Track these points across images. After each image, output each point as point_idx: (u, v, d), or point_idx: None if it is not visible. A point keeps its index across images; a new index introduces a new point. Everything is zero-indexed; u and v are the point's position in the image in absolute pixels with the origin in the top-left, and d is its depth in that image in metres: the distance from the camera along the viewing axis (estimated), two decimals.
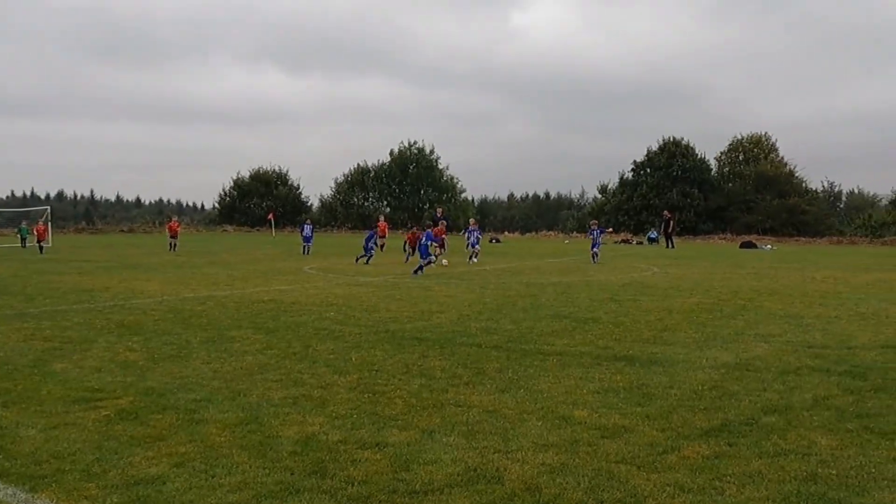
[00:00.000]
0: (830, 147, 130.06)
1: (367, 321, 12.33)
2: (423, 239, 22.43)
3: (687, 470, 5.22)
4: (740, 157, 69.58)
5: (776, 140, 70.41)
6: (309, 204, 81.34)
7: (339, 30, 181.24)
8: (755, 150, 69.03)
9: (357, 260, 26.37)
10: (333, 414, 6.69)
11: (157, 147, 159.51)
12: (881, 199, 76.02)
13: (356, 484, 5.00)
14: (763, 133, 70.46)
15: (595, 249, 27.95)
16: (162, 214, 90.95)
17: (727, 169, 69.58)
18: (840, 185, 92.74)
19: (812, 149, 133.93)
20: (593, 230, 28.96)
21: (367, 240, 26.75)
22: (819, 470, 5.18)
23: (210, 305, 14.21)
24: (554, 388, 7.64)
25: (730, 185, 67.72)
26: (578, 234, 62.00)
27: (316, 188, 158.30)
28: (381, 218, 36.99)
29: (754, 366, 8.72)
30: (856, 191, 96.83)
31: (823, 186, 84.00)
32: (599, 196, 74.73)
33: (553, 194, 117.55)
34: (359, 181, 77.46)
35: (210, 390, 7.55)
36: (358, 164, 78.28)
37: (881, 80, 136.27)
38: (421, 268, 21.79)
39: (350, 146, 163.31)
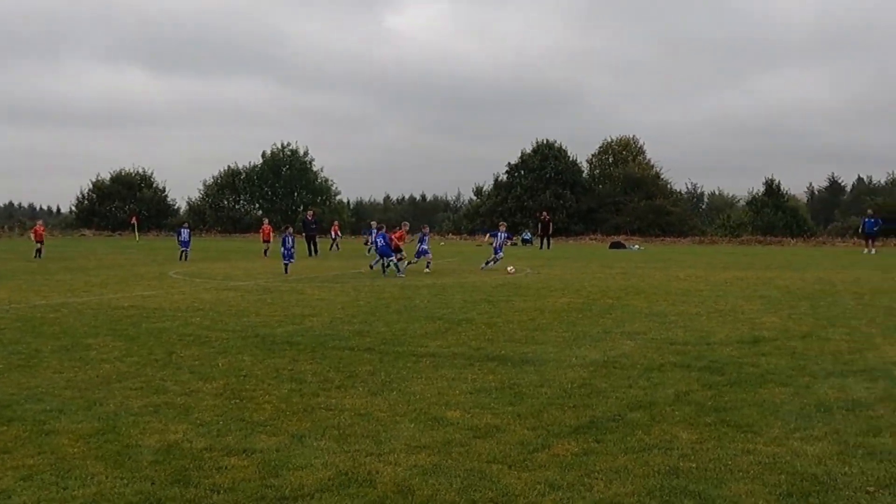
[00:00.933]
0: (693, 151, 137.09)
1: (236, 326, 12.07)
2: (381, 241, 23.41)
3: (557, 467, 5.37)
4: (610, 160, 72.30)
5: (644, 143, 73.76)
6: (176, 207, 79.22)
7: (206, 29, 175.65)
8: (624, 152, 71.94)
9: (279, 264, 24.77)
10: (198, 421, 6.53)
11: (5, 149, 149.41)
12: (739, 200, 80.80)
13: (222, 491, 4.90)
14: (631, 136, 73.62)
15: (499, 255, 25.96)
16: (13, 219, 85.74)
17: (598, 171, 72.13)
18: (702, 187, 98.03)
19: (677, 152, 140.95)
20: (499, 233, 26.65)
21: (283, 243, 24.68)
22: (680, 463, 5.42)
23: (64, 313, 13.51)
24: (427, 390, 7.71)
25: (600, 186, 70.21)
26: (454, 236, 62.76)
27: (183, 191, 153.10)
28: (374, 223, 32.49)
29: (621, 363, 9.08)
30: (717, 192, 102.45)
31: (687, 188, 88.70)
32: (475, 198, 75.92)
33: (429, 196, 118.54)
34: (229, 183, 75.86)
35: (62, 400, 7.20)
36: (228, 167, 76.77)
37: (739, 89, 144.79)
38: (384, 267, 23.14)
39: (220, 148, 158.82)
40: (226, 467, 5.36)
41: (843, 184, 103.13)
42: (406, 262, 23.59)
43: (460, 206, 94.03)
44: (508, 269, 24.54)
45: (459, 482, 5.08)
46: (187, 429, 6.29)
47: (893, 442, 5.80)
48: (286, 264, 23.86)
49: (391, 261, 22.83)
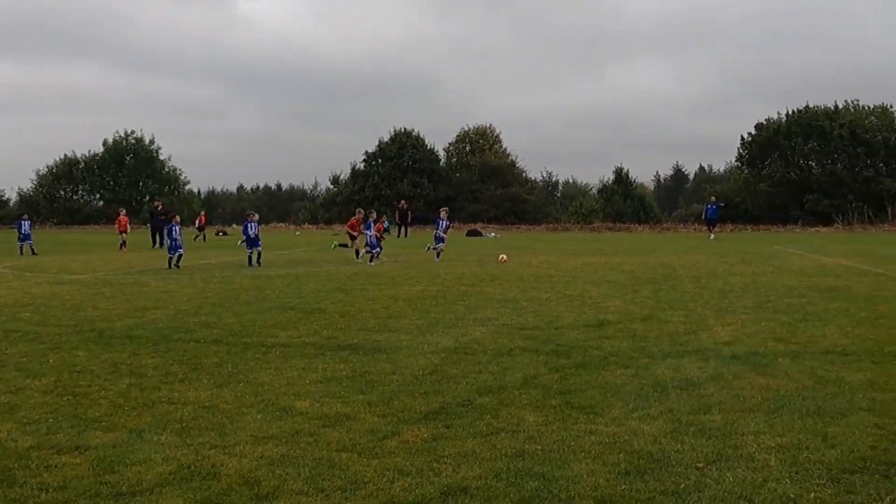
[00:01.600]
0: (549, 140, 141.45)
1: (71, 321, 11.48)
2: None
3: (406, 453, 5.44)
4: (467, 148, 73.50)
5: (500, 132, 75.45)
6: (5, 198, 74.54)
7: (38, 13, 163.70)
8: (481, 141, 73.30)
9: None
10: (25, 419, 6.21)
11: None
12: (591, 188, 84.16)
13: (51, 490, 4.70)
14: (488, 125, 75.10)
15: (440, 245, 24.85)
16: None
17: (455, 159, 73.17)
18: (557, 176, 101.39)
19: (533, 141, 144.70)
20: (439, 220, 25.69)
21: (169, 234, 22.99)
22: (526, 446, 5.59)
23: None
24: (275, 381, 7.63)
25: (457, 175, 71.26)
26: (310, 226, 62.04)
27: (13, 181, 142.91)
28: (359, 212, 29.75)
29: (472, 349, 9.28)
30: (570, 181, 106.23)
31: (542, 177, 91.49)
32: (332, 187, 75.36)
33: (285, 185, 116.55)
34: (66, 173, 72.09)
35: None
36: (65, 155, 73.04)
37: (592, 79, 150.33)
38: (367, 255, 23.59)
39: (56, 137, 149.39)
40: (56, 465, 5.13)
41: (686, 172, 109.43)
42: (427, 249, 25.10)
43: (317, 196, 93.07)
44: (500, 257, 23.97)
45: (308, 471, 5.07)
46: (12, 428, 5.97)
47: (721, 419, 6.17)
48: (171, 257, 21.87)
49: (377, 251, 23.59)
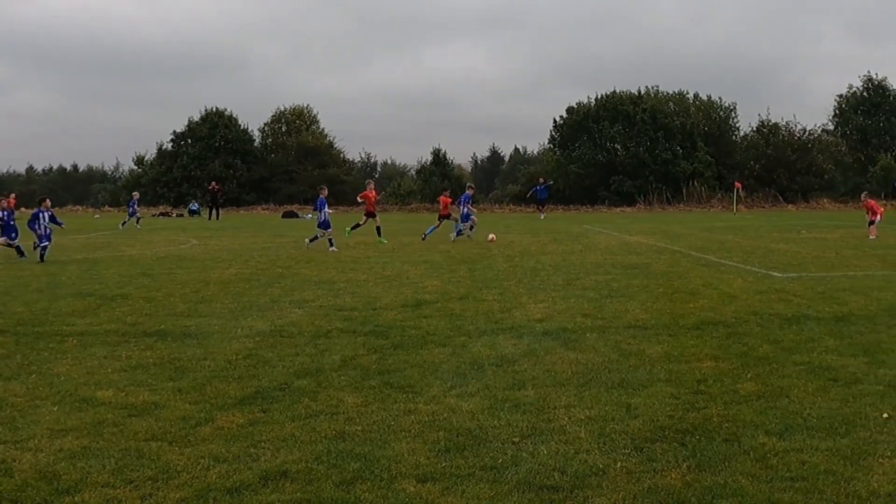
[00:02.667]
0: (367, 121, 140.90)
1: None
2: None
3: (222, 440, 5.35)
4: (283, 129, 72.07)
5: (318, 112, 74.43)
6: None
7: None
8: (297, 121, 72.06)
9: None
10: None
11: None
12: (410, 169, 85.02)
13: None
14: (305, 105, 73.92)
15: (466, 224, 24.09)
16: None
17: (270, 140, 71.62)
18: (376, 157, 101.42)
19: (350, 122, 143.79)
20: (466, 196, 24.80)
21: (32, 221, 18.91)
22: (347, 427, 5.63)
23: None
24: (73, 371, 7.24)
25: (273, 155, 69.84)
26: (111, 208, 58.77)
27: None
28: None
29: (288, 332, 9.20)
30: (389, 161, 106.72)
31: (361, 157, 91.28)
32: (136, 168, 71.57)
33: (82, 167, 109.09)
34: None
35: None
36: None
37: (408, 60, 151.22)
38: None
39: None
40: None
41: (502, 154, 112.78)
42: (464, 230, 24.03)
43: (119, 177, 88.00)
44: (489, 237, 23.77)
45: (113, 463, 4.88)
46: None
47: (535, 394, 6.46)
48: (42, 248, 18.09)
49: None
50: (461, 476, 4.70)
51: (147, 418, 5.83)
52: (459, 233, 23.97)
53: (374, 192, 24.71)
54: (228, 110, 68.05)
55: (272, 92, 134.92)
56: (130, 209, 34.35)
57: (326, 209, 20.85)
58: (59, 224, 19.95)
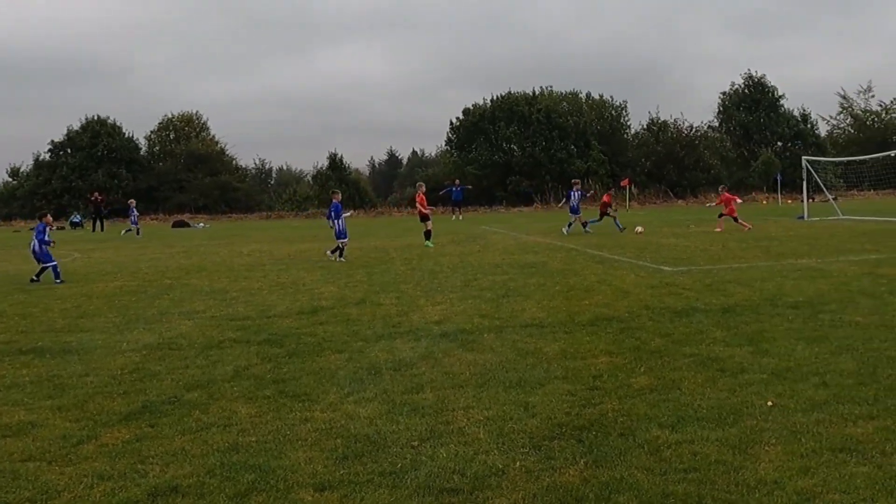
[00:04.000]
0: (259, 126, 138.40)
1: None
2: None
3: (106, 457, 5.19)
4: (171, 136, 70.27)
5: (207, 119, 72.94)
6: None
7: None
8: (187, 128, 70.40)
9: None
10: None
11: None
12: (306, 175, 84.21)
13: None
14: (194, 112, 72.29)
15: (577, 215, 25.98)
16: None
17: (158, 148, 69.72)
18: (271, 163, 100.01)
19: (243, 128, 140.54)
20: (573, 192, 26.27)
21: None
22: (240, 439, 5.52)
23: None
24: None
25: (161, 164, 68.01)
26: None
27: None
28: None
29: (178, 344, 8.96)
30: (285, 167, 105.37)
31: (255, 164, 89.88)
32: (10, 180, 68.38)
33: None
34: None
35: None
36: None
37: (299, 63, 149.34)
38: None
39: None
40: None
41: (399, 157, 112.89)
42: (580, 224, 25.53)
43: None
44: (637, 229, 24.92)
45: None
46: None
47: (433, 397, 6.48)
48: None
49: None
50: (360, 483, 4.67)
51: (23, 438, 5.60)
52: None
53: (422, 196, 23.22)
54: (112, 118, 66.01)
55: (158, 98, 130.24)
56: (131, 218, 35.76)
57: (343, 216, 18.85)
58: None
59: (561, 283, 13.06)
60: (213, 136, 71.84)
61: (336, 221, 18.65)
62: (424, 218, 22.95)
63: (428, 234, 22.77)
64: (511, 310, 10.63)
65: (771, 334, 8.39)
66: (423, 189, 23.81)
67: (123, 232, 35.41)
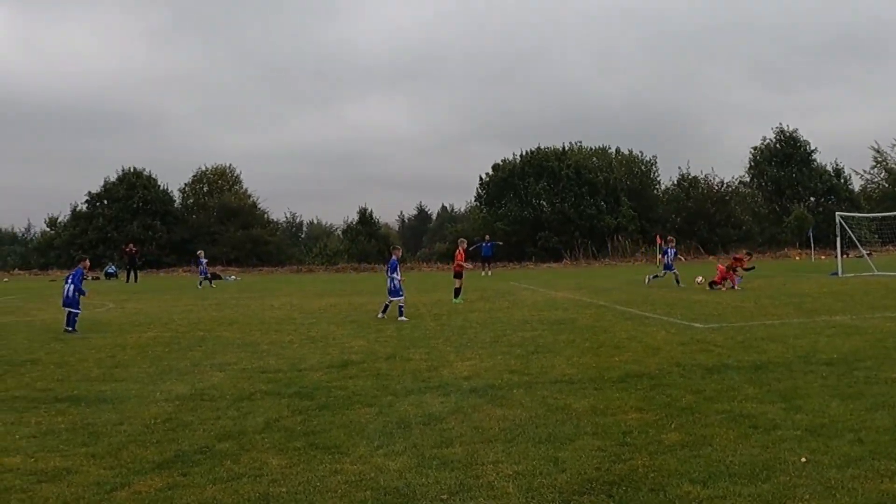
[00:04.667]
0: (290, 180, 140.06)
1: None
2: None
3: None
4: (205, 189, 71.38)
5: (240, 172, 74.11)
6: None
7: None
8: (219, 181, 71.54)
9: None
10: None
11: None
12: (336, 229, 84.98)
13: None
14: (227, 164, 73.53)
15: (669, 272, 26.99)
16: None
17: (191, 200, 70.79)
18: (301, 217, 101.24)
19: (273, 181, 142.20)
20: (669, 249, 27.49)
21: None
22: (271, 489, 5.57)
23: None
24: None
25: (194, 216, 68.98)
26: (21, 271, 57.06)
27: None
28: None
29: (210, 395, 9.05)
30: (315, 221, 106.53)
31: (286, 217, 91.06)
32: (49, 230, 69.80)
33: None
34: None
35: None
36: None
37: (326, 116, 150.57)
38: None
39: None
40: None
41: (429, 211, 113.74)
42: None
43: (30, 239, 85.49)
44: (697, 279, 26.28)
45: None
46: None
47: (462, 451, 6.48)
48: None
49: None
50: None
51: (59, 484, 5.68)
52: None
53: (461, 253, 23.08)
54: (147, 170, 67.30)
55: (189, 150, 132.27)
56: (201, 269, 36.61)
57: (398, 274, 17.93)
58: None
59: (590, 340, 13.03)
60: (246, 190, 72.97)
61: (391, 277, 17.88)
62: (458, 275, 22.92)
63: (457, 292, 22.73)
64: (540, 366, 10.62)
65: (804, 391, 8.31)
66: (465, 245, 23.74)
67: (200, 285, 35.35)
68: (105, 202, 65.43)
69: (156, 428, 7.43)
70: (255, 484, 5.70)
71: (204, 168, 71.94)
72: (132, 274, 43.36)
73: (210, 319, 18.37)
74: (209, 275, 36.59)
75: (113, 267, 50.90)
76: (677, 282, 26.52)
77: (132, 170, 66.65)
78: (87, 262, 18.15)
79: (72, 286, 16.38)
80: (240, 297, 26.91)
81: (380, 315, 17.73)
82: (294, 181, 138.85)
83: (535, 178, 63.13)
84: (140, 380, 10.10)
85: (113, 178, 66.32)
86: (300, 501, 5.32)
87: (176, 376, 10.36)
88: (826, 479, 5.41)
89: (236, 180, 73.02)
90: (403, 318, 17.30)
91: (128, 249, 45.32)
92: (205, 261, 37.07)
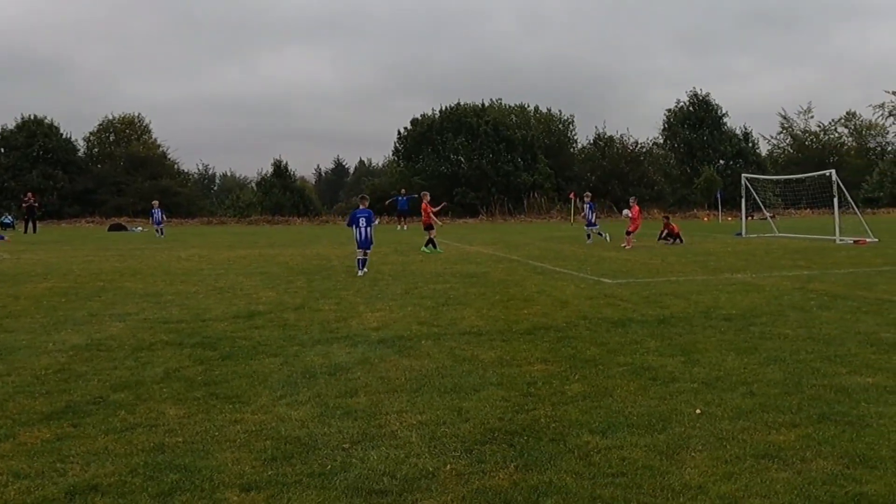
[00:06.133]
0: (204, 131, 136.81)
1: None
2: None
3: (24, 456, 5.10)
4: (111, 138, 69.17)
5: (150, 122, 72.04)
6: None
7: None
8: (127, 131, 69.44)
9: None
10: None
11: None
12: (250, 182, 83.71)
13: None
14: (136, 114, 71.38)
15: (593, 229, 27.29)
16: None
17: (97, 150, 68.53)
18: (214, 168, 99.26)
19: (185, 132, 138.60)
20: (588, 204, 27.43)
21: None
22: (167, 439, 5.46)
23: None
24: None
25: (99, 166, 66.84)
26: None
27: None
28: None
29: (107, 345, 8.80)
30: (228, 173, 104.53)
31: (198, 169, 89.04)
32: None
33: None
34: None
35: None
36: None
37: (242, 68, 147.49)
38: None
39: None
40: None
41: (346, 166, 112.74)
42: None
43: None
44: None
45: None
46: None
47: (366, 401, 6.47)
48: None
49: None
50: (288, 483, 4.65)
51: None
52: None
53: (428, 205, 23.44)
54: (49, 118, 64.63)
55: (97, 99, 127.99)
56: (155, 219, 37.70)
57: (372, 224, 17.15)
58: None
59: (501, 293, 13.15)
60: (155, 140, 71.04)
61: (368, 228, 16.88)
62: (429, 227, 23.41)
63: (433, 243, 23.15)
64: (450, 318, 10.67)
65: (703, 345, 8.56)
66: (428, 198, 24.01)
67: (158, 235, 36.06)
68: (2, 150, 62.68)
69: (46, 379, 7.18)
70: (150, 434, 5.58)
71: (111, 117, 69.62)
72: (31, 224, 41.79)
73: (112, 270, 17.83)
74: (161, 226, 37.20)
75: (9, 217, 48.82)
76: (601, 235, 27.29)
77: (33, 117, 63.90)
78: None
79: None
80: (145, 249, 26.22)
81: (362, 272, 16.46)
82: (208, 133, 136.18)
83: (454, 133, 63.15)
84: (32, 330, 9.74)
85: (11, 126, 63.54)
86: (196, 451, 5.22)
87: (71, 326, 10.03)
88: (718, 430, 5.58)
89: (145, 130, 71.00)
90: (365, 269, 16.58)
91: (26, 199, 43.56)
92: (159, 211, 37.48)
